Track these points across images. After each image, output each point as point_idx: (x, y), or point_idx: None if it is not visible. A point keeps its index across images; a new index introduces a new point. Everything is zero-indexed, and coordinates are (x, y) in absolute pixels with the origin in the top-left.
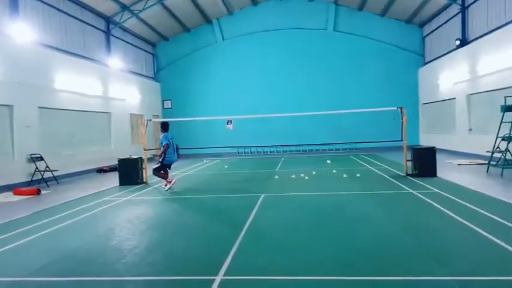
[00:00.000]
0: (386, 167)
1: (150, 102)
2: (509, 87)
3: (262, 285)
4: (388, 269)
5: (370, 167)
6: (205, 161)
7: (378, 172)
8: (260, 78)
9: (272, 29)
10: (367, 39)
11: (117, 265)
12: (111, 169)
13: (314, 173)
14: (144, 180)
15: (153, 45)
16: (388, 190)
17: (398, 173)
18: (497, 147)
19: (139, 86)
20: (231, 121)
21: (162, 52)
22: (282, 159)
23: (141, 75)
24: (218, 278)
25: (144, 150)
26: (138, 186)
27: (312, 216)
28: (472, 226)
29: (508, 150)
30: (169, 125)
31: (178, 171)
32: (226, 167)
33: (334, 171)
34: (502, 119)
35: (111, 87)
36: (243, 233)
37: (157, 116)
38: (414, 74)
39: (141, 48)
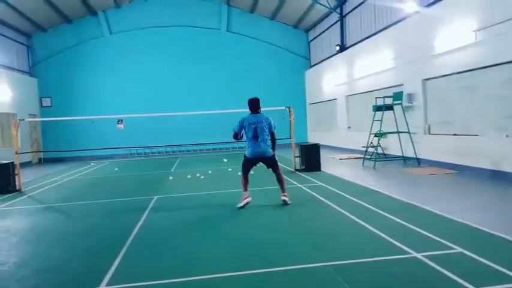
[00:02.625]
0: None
1: (24, 100)
2: (379, 89)
3: None
4: (274, 260)
5: (261, 164)
6: (92, 164)
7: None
8: (153, 75)
9: (164, 25)
10: (259, 41)
11: None
12: None
13: (210, 172)
14: (18, 187)
15: (28, 36)
16: (277, 185)
17: (288, 168)
18: (371, 142)
19: (10, 81)
20: (121, 120)
21: (39, 44)
22: (179, 159)
23: (12, 69)
24: None
25: (16, 154)
26: (10, 194)
27: (204, 215)
28: (348, 214)
29: (379, 146)
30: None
31: (59, 177)
32: (116, 169)
33: (230, 169)
34: (374, 117)
35: None
36: (131, 238)
37: (35, 115)
38: (302, 76)
39: (11, 39)
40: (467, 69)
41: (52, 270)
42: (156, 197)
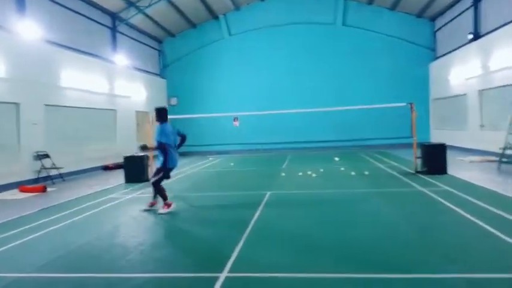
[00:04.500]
0: (395, 164)
1: (155, 99)
2: None
3: (271, 283)
4: (398, 266)
5: (378, 164)
6: (210, 159)
7: (387, 169)
8: (267, 74)
9: (279, 24)
10: (376, 33)
11: (122, 262)
12: (117, 166)
13: (322, 170)
14: (149, 177)
15: (160, 41)
16: (396, 188)
17: (408, 170)
18: (509, 143)
19: (145, 82)
20: (237, 118)
21: (168, 48)
22: (289, 156)
23: (146, 72)
24: (222, 275)
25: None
26: (143, 183)
27: (318, 214)
28: (481, 223)
29: None
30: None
31: (183, 169)
32: (232, 164)
33: (342, 168)
34: None
35: (116, 84)
36: (248, 229)
37: None
38: (425, 69)
39: (147, 45)
40: None
41: (183, 253)
42: (269, 193)
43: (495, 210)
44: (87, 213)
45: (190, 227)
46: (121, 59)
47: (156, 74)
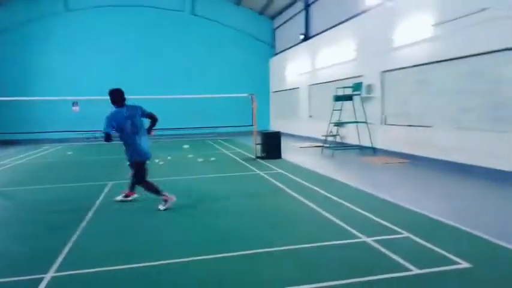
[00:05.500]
0: (239, 150)
1: None
2: (340, 80)
3: (99, 276)
4: (232, 246)
5: (225, 151)
6: (44, 148)
7: (232, 156)
8: (112, 57)
9: (126, 4)
10: (224, 26)
11: None
12: None
13: (169, 158)
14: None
15: None
16: (238, 172)
17: (249, 155)
18: (330, 131)
19: None
20: (77, 102)
21: None
22: None
23: None
24: (48, 276)
25: None
26: None
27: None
28: (303, 200)
29: (338, 135)
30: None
31: (7, 160)
32: (70, 153)
33: (190, 155)
34: (334, 107)
35: None
36: (83, 224)
37: None
38: (266, 64)
39: None
40: (423, 62)
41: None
42: (111, 183)
43: (316, 188)
44: None
45: (6, 228)
46: None
47: None
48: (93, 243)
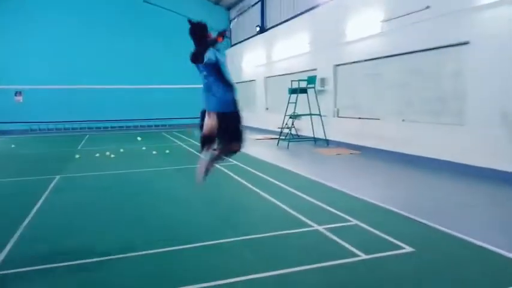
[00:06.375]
0: (195, 142)
1: None
2: (295, 73)
3: (40, 274)
4: (183, 238)
5: (180, 143)
6: None
7: (187, 148)
8: (59, 44)
9: None
10: (177, 15)
11: None
12: None
13: (122, 150)
14: None
15: None
16: (193, 164)
17: None
18: (286, 124)
19: None
20: (20, 92)
21: None
22: (87, 136)
23: None
24: None
25: None
26: None
27: (112, 195)
28: (257, 190)
29: (293, 127)
30: None
31: None
32: (13, 146)
33: (144, 148)
34: (289, 99)
35: None
36: (25, 222)
37: None
38: (223, 55)
39: None
40: (373, 57)
41: None
42: (58, 177)
43: (271, 179)
44: None
45: None
46: None
47: None
48: (36, 240)
